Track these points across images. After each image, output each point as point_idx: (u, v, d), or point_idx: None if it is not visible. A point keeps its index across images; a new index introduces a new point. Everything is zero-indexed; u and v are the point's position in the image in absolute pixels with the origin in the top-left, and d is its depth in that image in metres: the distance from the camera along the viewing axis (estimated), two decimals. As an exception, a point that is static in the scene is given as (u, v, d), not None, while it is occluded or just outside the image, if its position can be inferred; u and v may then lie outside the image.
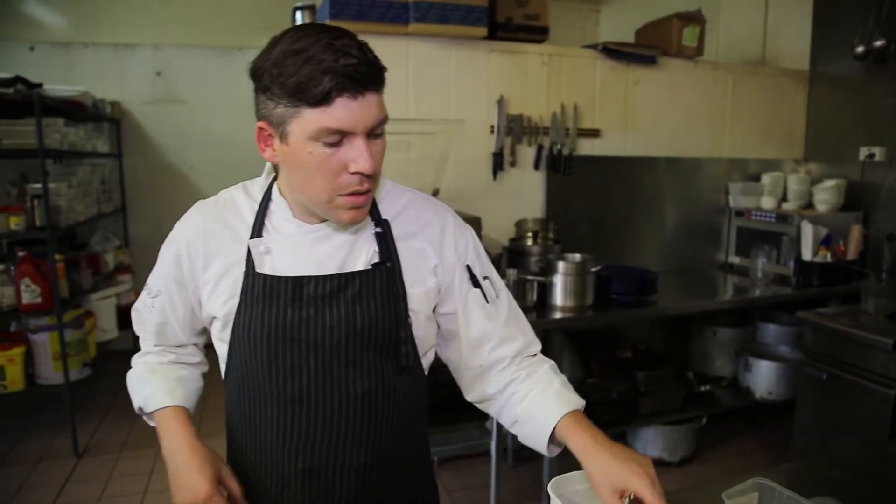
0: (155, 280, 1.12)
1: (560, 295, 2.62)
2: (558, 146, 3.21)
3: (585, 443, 0.97)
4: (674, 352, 3.46)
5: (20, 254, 3.16)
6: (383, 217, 1.06)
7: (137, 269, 4.60)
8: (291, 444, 1.03)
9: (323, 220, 1.02)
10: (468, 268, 1.11)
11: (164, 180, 4.88)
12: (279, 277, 0.99)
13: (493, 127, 3.11)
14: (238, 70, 4.93)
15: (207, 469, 1.00)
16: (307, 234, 1.02)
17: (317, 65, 0.84)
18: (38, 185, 3.17)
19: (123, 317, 4.20)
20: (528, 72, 3.15)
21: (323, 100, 0.85)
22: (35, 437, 3.48)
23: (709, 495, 1.17)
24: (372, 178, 0.93)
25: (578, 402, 1.06)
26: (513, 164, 3.17)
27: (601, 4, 5.47)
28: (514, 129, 3.13)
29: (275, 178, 1.06)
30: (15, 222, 3.09)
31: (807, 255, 3.20)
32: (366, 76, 0.87)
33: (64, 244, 4.05)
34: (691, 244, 3.64)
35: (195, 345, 1.19)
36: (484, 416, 2.86)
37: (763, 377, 3.14)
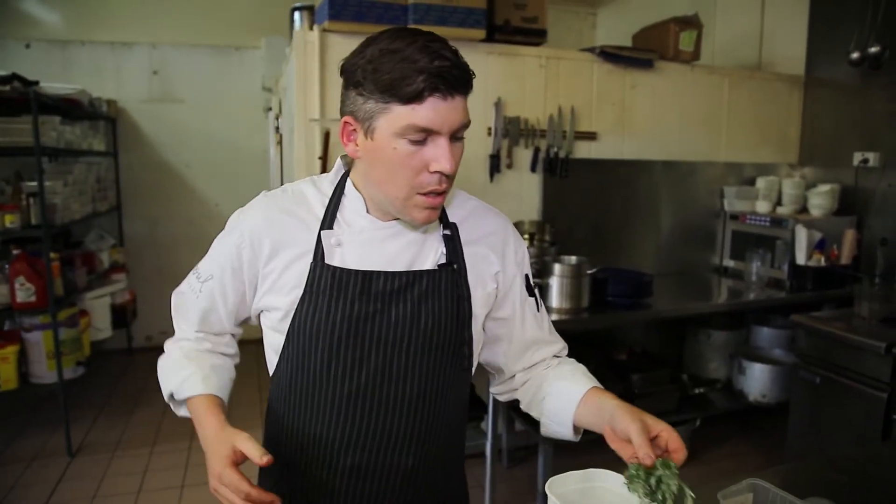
0: (208, 265, 1.10)
1: (556, 297, 2.63)
2: (555, 149, 3.22)
3: (616, 399, 1.06)
4: (669, 354, 3.48)
5: (15, 252, 3.15)
6: (451, 221, 1.09)
7: (132, 268, 4.59)
8: (342, 440, 1.04)
9: (395, 219, 1.04)
10: (527, 277, 1.18)
11: (159, 179, 4.87)
12: (349, 270, 1.01)
13: (490, 129, 3.12)
14: (235, 69, 4.93)
15: (222, 448, 0.93)
16: (379, 229, 1.04)
17: (412, 64, 0.88)
18: (34, 184, 3.17)
19: (117, 316, 4.20)
20: (525, 74, 3.17)
21: (415, 98, 0.89)
22: (29, 435, 3.47)
23: (704, 496, 1.18)
24: (450, 179, 0.96)
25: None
26: (510, 166, 3.18)
27: (598, 7, 5.49)
28: (512, 131, 3.14)
29: (346, 174, 1.08)
30: (10, 220, 3.08)
31: (801, 259, 3.22)
32: (457, 79, 0.90)
33: (59, 243, 4.04)
34: (686, 247, 3.66)
35: (233, 335, 1.18)
36: (479, 418, 2.87)
37: (757, 380, 3.15)
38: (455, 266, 1.06)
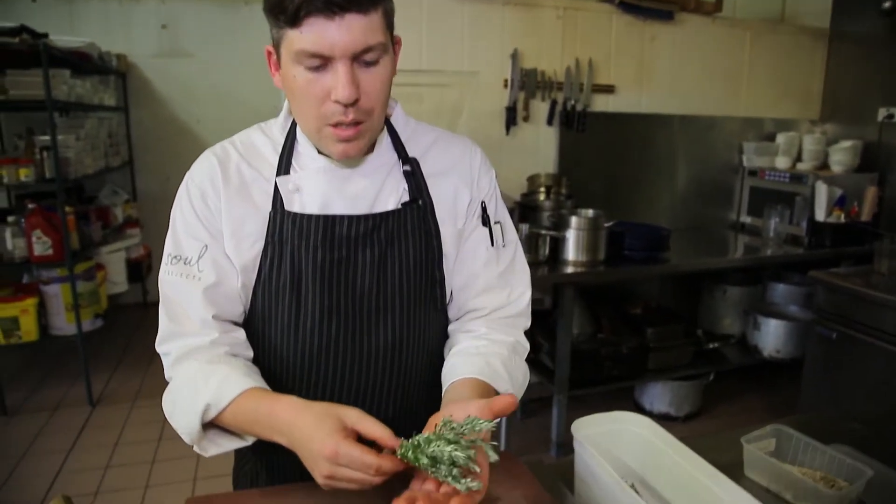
0: (188, 241, 0.95)
1: (573, 250, 2.62)
2: (572, 102, 3.16)
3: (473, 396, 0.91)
4: (683, 309, 3.47)
5: (30, 206, 3.16)
6: (411, 156, 1.02)
7: (146, 223, 4.60)
8: (316, 396, 0.99)
9: None
10: (483, 205, 1.07)
11: (170, 134, 4.84)
12: (309, 216, 0.95)
13: (506, 81, 3.06)
14: (245, 24, 4.84)
15: (325, 424, 0.79)
16: (335, 170, 0.97)
17: None
18: (47, 137, 3.15)
19: (133, 270, 4.23)
20: (543, 26, 3.09)
21: (294, 19, 0.81)
22: (50, 386, 3.54)
23: (727, 442, 1.19)
24: (359, 109, 0.87)
25: (497, 380, 0.96)
26: (526, 118, 3.13)
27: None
28: (528, 83, 3.08)
29: None
30: (25, 174, 3.08)
31: (820, 215, 3.18)
32: None
33: (73, 197, 4.05)
34: (703, 203, 3.61)
35: (240, 326, 1.01)
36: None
37: (771, 336, 3.14)
38: (420, 202, 1.00)
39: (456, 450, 0.76)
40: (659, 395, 3.14)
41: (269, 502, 0.91)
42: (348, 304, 0.97)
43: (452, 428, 0.79)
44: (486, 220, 1.07)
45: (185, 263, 0.95)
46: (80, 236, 3.44)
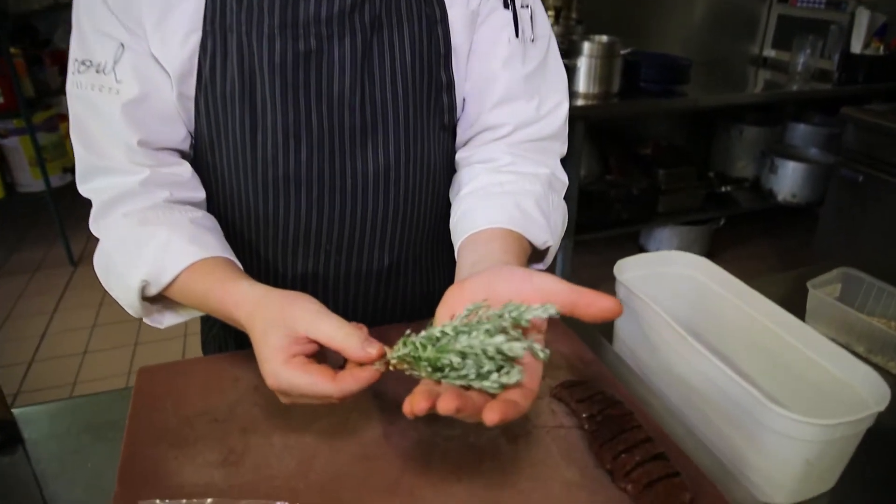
0: (94, 43, 0.68)
1: (584, 80, 2.33)
2: None
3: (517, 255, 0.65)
4: (696, 151, 3.24)
5: (-29, 48, 2.80)
6: None
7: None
8: (286, 242, 0.78)
9: None
10: None
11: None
12: None
13: None
14: None
15: (269, 340, 0.56)
16: None
17: None
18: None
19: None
20: None
21: None
22: (27, 248, 3.37)
23: (790, 282, 1.04)
24: None
25: (532, 228, 0.70)
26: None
27: None
28: None
29: None
30: (-44, 7, 2.69)
31: (856, 47, 2.85)
32: None
33: (23, 41, 3.64)
34: (722, 34, 3.26)
35: (184, 156, 0.76)
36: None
37: (788, 179, 2.98)
38: None
39: (508, 339, 0.47)
40: (667, 239, 3.01)
41: (223, 368, 0.74)
42: (321, 119, 0.72)
43: (499, 316, 0.49)
44: (509, 1, 0.76)
45: (97, 72, 0.69)
46: (34, 83, 3.13)
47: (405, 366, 0.52)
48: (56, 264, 3.17)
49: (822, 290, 0.93)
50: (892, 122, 2.28)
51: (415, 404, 0.45)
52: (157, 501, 0.55)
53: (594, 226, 2.57)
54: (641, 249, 3.13)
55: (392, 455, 0.59)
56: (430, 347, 0.50)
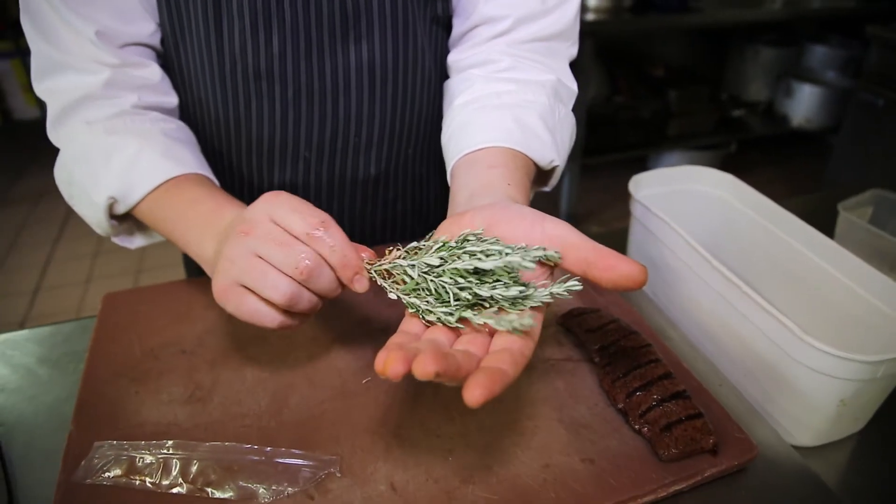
0: None
1: (594, -7, 2.18)
2: None
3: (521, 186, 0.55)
4: (708, 73, 3.09)
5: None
6: None
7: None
8: (261, 150, 0.70)
9: None
10: None
11: None
12: None
13: None
14: None
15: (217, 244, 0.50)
16: None
17: None
18: None
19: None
20: None
21: None
22: (29, 176, 3.27)
23: (815, 204, 0.96)
24: None
25: (534, 145, 0.59)
26: None
27: None
28: None
29: None
30: None
31: (884, -45, 2.67)
32: None
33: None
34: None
35: (155, 52, 0.67)
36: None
37: (804, 103, 2.86)
38: None
39: (505, 282, 0.40)
40: (675, 164, 2.89)
41: (195, 294, 0.67)
42: (296, 4, 0.62)
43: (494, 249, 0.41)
44: None
45: None
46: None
47: (388, 279, 0.44)
48: (58, 192, 3.09)
49: (854, 213, 0.85)
50: (920, 40, 2.14)
51: (388, 366, 0.35)
52: (114, 443, 0.49)
53: (602, 149, 2.47)
54: (648, 176, 3.02)
55: (376, 390, 0.52)
56: (428, 255, 0.42)
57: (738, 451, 0.47)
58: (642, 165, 3.04)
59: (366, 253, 0.45)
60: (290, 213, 0.44)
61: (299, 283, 0.43)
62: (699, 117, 2.66)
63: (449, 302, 0.40)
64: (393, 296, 0.43)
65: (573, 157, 2.36)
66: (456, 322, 0.40)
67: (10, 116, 3.04)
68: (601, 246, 0.41)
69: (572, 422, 0.49)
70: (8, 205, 3.01)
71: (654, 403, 0.47)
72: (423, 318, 0.41)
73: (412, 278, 0.42)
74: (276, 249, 0.43)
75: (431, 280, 0.41)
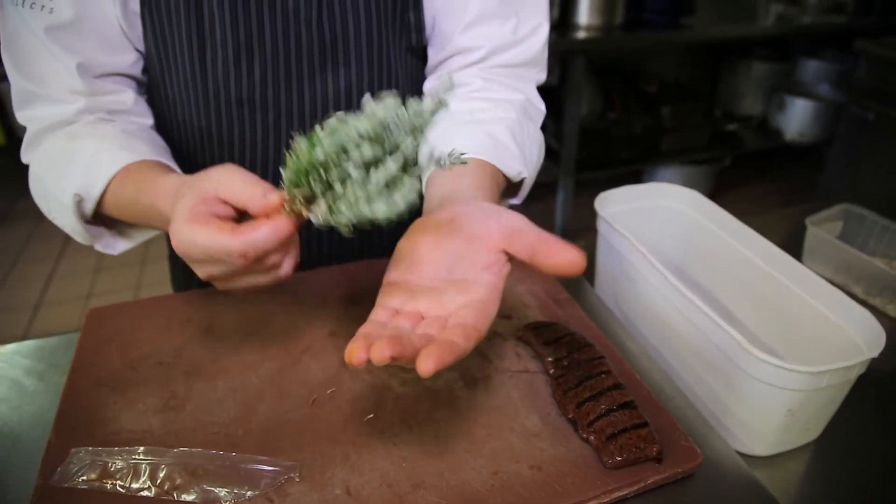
0: None
1: (585, 11, 2.21)
2: None
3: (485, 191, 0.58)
4: (702, 88, 3.12)
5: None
6: None
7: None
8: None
9: None
10: None
11: None
12: None
13: None
14: None
15: (177, 206, 0.48)
16: None
17: None
18: None
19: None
20: None
21: None
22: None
23: (790, 219, 0.99)
24: None
25: (504, 157, 0.63)
26: None
27: None
28: None
29: None
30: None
31: (874, -27, 2.70)
32: None
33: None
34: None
35: (139, 83, 0.71)
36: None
37: (797, 117, 2.89)
38: None
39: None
40: (669, 180, 2.92)
41: (175, 309, 0.69)
42: (276, 34, 0.65)
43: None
44: None
45: None
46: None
47: (300, 197, 0.44)
48: (64, 209, 3.13)
49: (822, 228, 0.87)
50: (906, 56, 2.17)
51: (352, 354, 0.39)
52: (90, 449, 0.51)
53: (595, 165, 2.49)
54: (643, 190, 3.04)
55: (340, 400, 0.55)
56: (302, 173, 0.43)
57: (683, 458, 0.49)
58: (636, 181, 3.03)
59: (276, 196, 0.44)
60: (210, 259, 0.46)
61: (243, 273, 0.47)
62: (693, 132, 2.68)
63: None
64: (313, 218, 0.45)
65: (567, 173, 2.39)
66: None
67: (14, 135, 3.08)
68: (548, 234, 0.44)
69: (524, 430, 0.51)
70: (12, 221, 3.05)
71: (601, 413, 0.50)
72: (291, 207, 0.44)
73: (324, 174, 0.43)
74: (207, 269, 0.47)
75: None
